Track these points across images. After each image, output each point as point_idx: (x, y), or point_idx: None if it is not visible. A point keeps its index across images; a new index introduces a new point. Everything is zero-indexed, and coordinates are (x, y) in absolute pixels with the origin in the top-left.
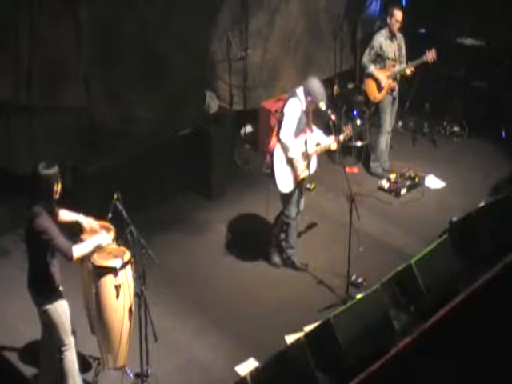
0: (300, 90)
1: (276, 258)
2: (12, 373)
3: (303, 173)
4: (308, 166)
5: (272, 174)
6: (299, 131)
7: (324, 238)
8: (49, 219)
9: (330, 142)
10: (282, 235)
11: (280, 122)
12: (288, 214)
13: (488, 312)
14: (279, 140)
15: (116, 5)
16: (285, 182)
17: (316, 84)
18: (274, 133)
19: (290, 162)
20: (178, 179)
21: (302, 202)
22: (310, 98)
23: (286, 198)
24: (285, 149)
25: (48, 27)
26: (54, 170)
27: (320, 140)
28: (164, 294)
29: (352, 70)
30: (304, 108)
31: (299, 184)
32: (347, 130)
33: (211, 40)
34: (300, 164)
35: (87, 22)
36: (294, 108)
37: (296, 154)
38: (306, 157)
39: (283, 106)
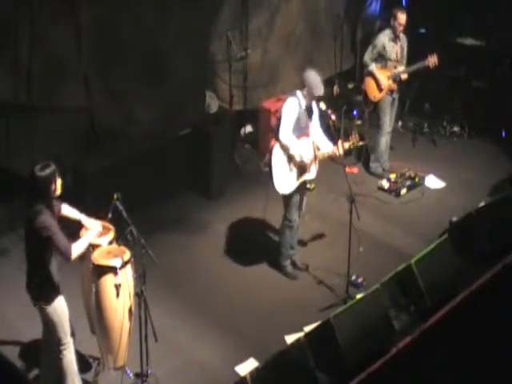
0: (299, 90)
1: (290, 269)
2: (12, 372)
3: (304, 176)
4: (309, 169)
5: (271, 176)
6: (300, 133)
7: (324, 238)
8: (50, 217)
9: (333, 149)
10: (284, 237)
11: (279, 122)
12: (289, 218)
13: (488, 312)
14: (278, 139)
15: (116, 5)
16: (284, 183)
17: (311, 75)
18: (273, 133)
19: (291, 159)
20: (177, 179)
21: (304, 203)
22: (305, 91)
23: (287, 201)
24: (284, 148)
25: (48, 27)
26: (50, 170)
27: (322, 146)
28: (164, 293)
29: (352, 69)
30: (304, 107)
31: (300, 185)
32: (353, 139)
33: (211, 40)
34: (303, 162)
35: (87, 21)
36: (291, 107)
37: (297, 151)
38: (308, 160)
39: (282, 106)
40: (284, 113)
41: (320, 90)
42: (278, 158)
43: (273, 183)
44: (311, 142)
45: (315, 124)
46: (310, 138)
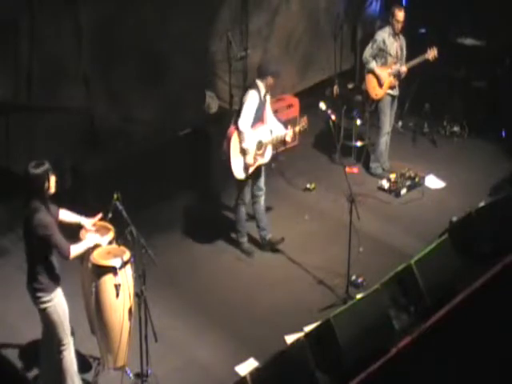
0: (259, 81)
1: (247, 246)
2: (12, 373)
3: (258, 161)
4: (263, 155)
5: (228, 161)
6: (257, 121)
7: (324, 238)
8: (48, 215)
9: (286, 132)
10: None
11: (239, 111)
12: (242, 198)
13: (488, 312)
14: (237, 128)
15: (116, 5)
16: (239, 169)
17: (263, 60)
18: (233, 121)
19: (243, 151)
20: (177, 179)
21: (262, 181)
22: (266, 79)
23: (240, 184)
24: (241, 138)
25: (48, 27)
26: (44, 168)
27: (275, 130)
28: (164, 293)
29: (352, 69)
30: (263, 97)
31: (254, 171)
32: (303, 122)
33: (211, 40)
34: (251, 155)
35: (87, 22)
36: (252, 98)
37: (250, 145)
38: (261, 146)
39: (242, 96)
40: (246, 104)
41: (275, 64)
42: (235, 145)
43: (230, 169)
44: (267, 127)
45: (268, 110)
46: (265, 124)
